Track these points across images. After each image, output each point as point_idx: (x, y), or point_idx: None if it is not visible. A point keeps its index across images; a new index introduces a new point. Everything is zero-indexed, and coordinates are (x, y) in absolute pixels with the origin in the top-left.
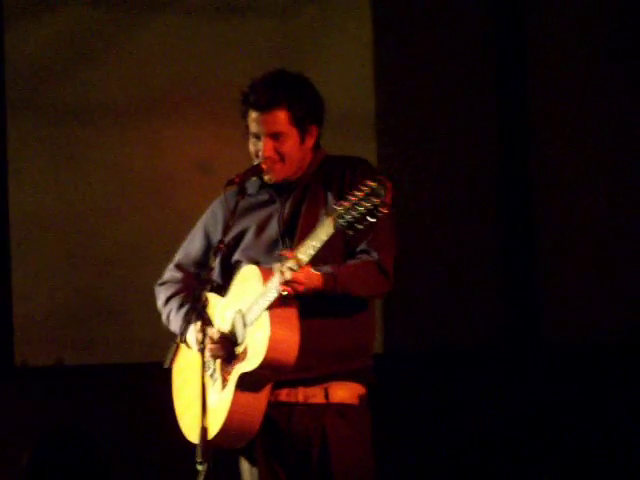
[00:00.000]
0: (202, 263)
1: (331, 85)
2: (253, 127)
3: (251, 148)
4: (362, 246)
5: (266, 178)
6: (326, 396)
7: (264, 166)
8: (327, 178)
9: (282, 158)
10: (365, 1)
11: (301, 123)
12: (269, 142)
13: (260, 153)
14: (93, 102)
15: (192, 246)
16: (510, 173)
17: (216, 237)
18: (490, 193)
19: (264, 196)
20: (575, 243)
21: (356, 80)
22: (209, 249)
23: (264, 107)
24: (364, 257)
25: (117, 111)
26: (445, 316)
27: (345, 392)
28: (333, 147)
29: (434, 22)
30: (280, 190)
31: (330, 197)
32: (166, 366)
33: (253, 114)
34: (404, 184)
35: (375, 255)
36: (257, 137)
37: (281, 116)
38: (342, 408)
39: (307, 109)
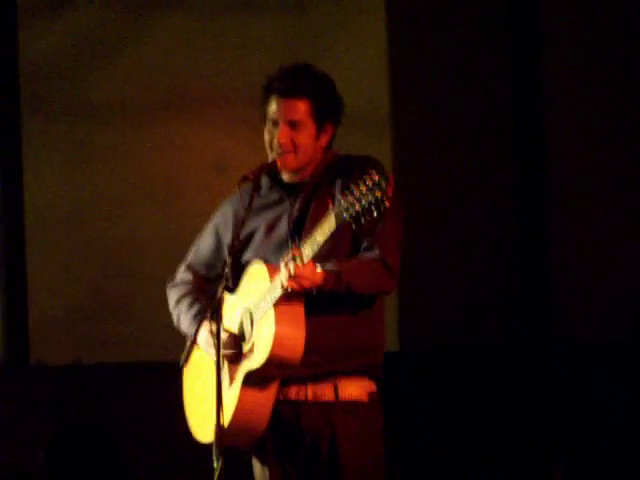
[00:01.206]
0: (212, 264)
1: (345, 82)
2: (272, 113)
3: (266, 136)
4: (367, 243)
5: (280, 168)
6: (335, 393)
7: (278, 157)
8: (336, 177)
9: (295, 148)
10: None
11: (320, 118)
12: (286, 129)
13: (275, 140)
14: (107, 101)
15: (202, 247)
16: (525, 171)
17: (227, 236)
18: (505, 191)
19: (274, 196)
20: (591, 238)
21: (370, 77)
22: (219, 249)
23: (288, 93)
24: (369, 255)
25: (131, 110)
26: (460, 313)
27: (354, 389)
28: (346, 144)
29: (448, 18)
30: (290, 190)
31: (338, 195)
32: (181, 365)
33: (275, 100)
34: (418, 182)
35: (380, 253)
36: (274, 124)
37: (302, 106)
38: (351, 405)
39: (328, 106)
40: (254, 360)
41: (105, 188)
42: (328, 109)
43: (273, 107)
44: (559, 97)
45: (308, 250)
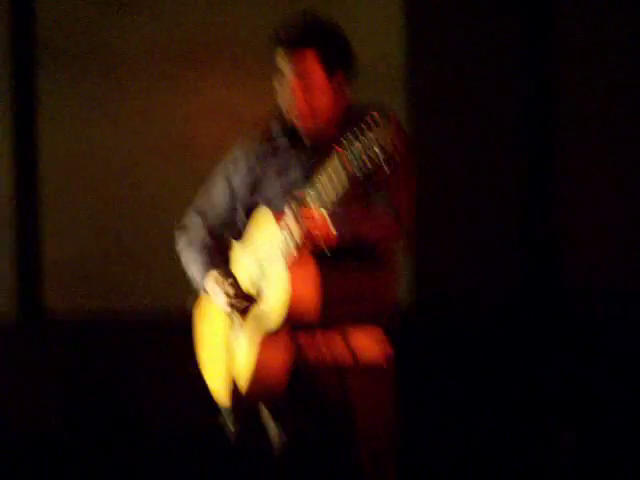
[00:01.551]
0: (222, 208)
1: (360, 36)
2: (284, 73)
3: (280, 100)
4: (378, 194)
5: (298, 127)
6: (352, 354)
7: (295, 118)
8: (351, 126)
9: (313, 111)
10: None
11: (330, 66)
12: (301, 94)
13: (291, 107)
14: (123, 50)
15: (212, 191)
16: (537, 130)
17: (237, 183)
18: (517, 149)
19: (287, 143)
20: (599, 188)
21: (385, 31)
22: (229, 194)
23: (296, 45)
24: (377, 203)
25: (147, 59)
26: (471, 267)
27: (370, 350)
28: (360, 99)
29: None
30: (304, 137)
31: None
32: (188, 309)
33: (286, 58)
34: (431, 137)
35: (388, 202)
36: (287, 85)
37: (310, 56)
38: (367, 366)
39: (339, 56)
40: (270, 321)
41: (118, 136)
42: (339, 59)
43: (285, 67)
44: (573, 64)
45: (313, 193)
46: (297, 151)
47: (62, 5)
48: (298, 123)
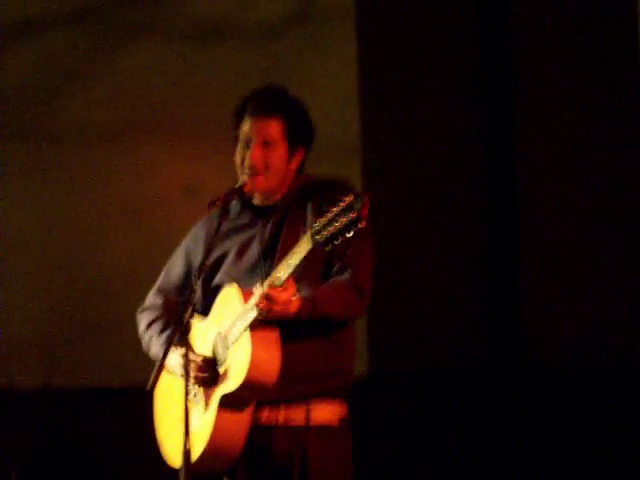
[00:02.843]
0: (183, 287)
1: (316, 107)
2: (245, 134)
3: (237, 158)
4: (339, 266)
5: (247, 189)
6: (307, 417)
7: (247, 179)
8: (308, 199)
9: (267, 168)
10: (350, 22)
11: (292, 139)
12: (258, 149)
13: (246, 161)
14: (77, 125)
15: (173, 271)
16: (496, 193)
17: (197, 260)
18: (476, 215)
19: (245, 219)
20: (566, 259)
21: (341, 103)
22: (190, 273)
23: (262, 113)
24: (340, 278)
25: (102, 134)
26: (430, 335)
27: (326, 413)
28: (316, 170)
29: (419, 44)
30: (261, 213)
31: (310, 217)
32: (148, 389)
33: (249, 120)
34: (388, 207)
35: (351, 275)
36: (247, 145)
37: (276, 125)
38: (323, 429)
39: (300, 128)
40: (229, 384)
41: (75, 213)
42: (300, 131)
43: (246, 128)
44: (531, 120)
45: (282, 273)
46: (256, 227)
47: (16, 78)
48: (250, 182)
